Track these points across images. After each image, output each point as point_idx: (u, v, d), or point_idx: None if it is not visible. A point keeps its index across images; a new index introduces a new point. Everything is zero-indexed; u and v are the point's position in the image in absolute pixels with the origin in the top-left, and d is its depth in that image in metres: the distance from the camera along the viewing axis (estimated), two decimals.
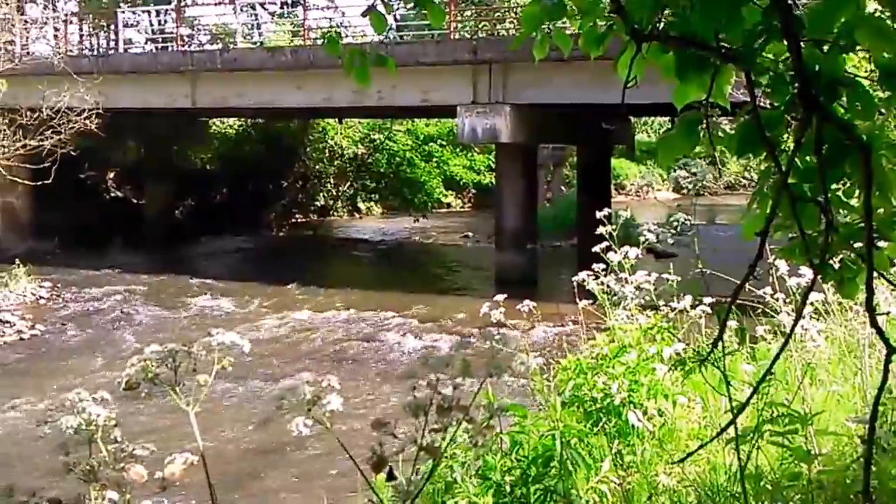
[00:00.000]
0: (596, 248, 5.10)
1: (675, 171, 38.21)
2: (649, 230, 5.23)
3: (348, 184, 31.12)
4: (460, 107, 17.28)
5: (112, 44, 25.22)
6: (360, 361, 12.32)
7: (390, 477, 1.81)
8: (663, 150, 2.01)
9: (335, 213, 31.00)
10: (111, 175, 24.07)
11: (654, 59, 1.95)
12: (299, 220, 29.11)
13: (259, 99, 19.51)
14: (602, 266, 5.00)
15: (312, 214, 29.99)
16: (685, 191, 38.05)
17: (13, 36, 18.90)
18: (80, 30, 25.91)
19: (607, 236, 5.10)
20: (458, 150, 32.81)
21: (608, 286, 4.96)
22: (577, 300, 5.18)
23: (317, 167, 29.98)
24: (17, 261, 16.92)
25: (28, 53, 19.32)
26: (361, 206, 32.17)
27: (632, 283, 4.84)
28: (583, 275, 5.10)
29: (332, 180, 30.71)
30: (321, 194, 30.64)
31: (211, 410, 10.08)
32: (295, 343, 13.56)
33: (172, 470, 1.47)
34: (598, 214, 5.39)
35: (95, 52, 24.07)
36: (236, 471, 8.33)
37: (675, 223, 5.19)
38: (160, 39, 23.41)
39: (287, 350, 13.08)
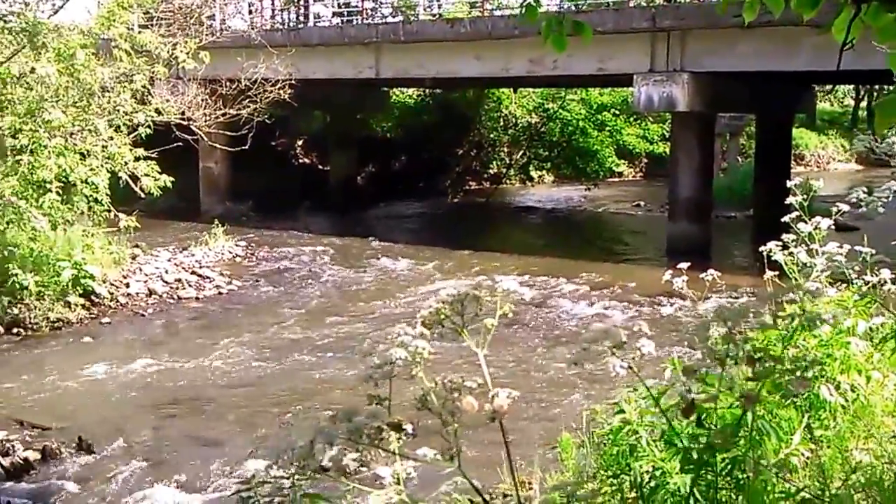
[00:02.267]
0: (785, 219, 5.04)
1: (858, 140, 35.84)
2: (844, 201, 5.10)
3: (521, 152, 31.36)
4: (637, 75, 17.08)
5: (302, 18, 26.53)
6: (534, 326, 12.59)
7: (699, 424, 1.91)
8: (881, 115, 1.97)
9: (507, 181, 31.35)
10: (299, 143, 25.45)
11: (872, 21, 1.93)
12: (473, 187, 29.69)
13: (438, 69, 20.04)
14: (789, 237, 4.93)
15: (485, 182, 30.49)
16: (869, 160, 35.70)
17: (213, 11, 20.29)
18: (273, 5, 27.38)
19: (796, 206, 5.02)
20: (631, 119, 32.35)
21: (796, 257, 4.89)
22: (761, 271, 5.15)
23: (491, 136, 30.43)
24: (216, 221, 18.34)
25: (227, 28, 20.70)
26: (533, 174, 32.34)
27: (823, 254, 4.77)
28: (770, 244, 5.07)
29: (505, 149, 31.07)
30: (494, 162, 31.08)
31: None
32: None
33: (500, 403, 1.63)
34: (788, 184, 5.32)
35: (287, 26, 25.37)
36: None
37: (887, 192, 5.00)
38: (345, 13, 24.33)
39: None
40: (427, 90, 28.79)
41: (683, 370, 1.94)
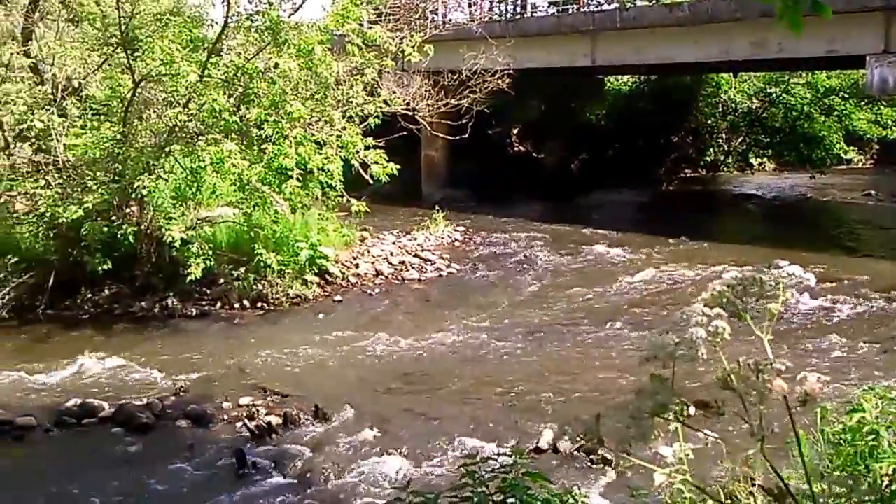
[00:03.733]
0: None
1: None
2: None
3: (740, 139, 30.11)
4: (870, 56, 15.92)
5: (519, 9, 26.84)
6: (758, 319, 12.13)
7: None
8: None
9: (725, 169, 30.21)
10: (515, 131, 25.82)
11: None
12: (688, 175, 28.88)
13: (656, 55, 19.64)
14: None
15: (701, 169, 29.55)
16: None
17: (436, 5, 20.98)
18: None
19: None
20: (862, 102, 30.09)
21: None
22: None
23: (708, 122, 29.43)
24: (437, 207, 19.05)
25: (449, 21, 21.35)
26: (753, 161, 30.95)
27: None
28: None
29: (723, 135, 29.95)
30: (711, 149, 30.05)
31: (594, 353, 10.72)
32: (685, 293, 13.71)
33: (812, 385, 1.59)
34: None
35: (506, 18, 25.76)
36: None
37: None
38: (561, 2, 24.37)
39: (680, 300, 13.31)
40: (642, 77, 28.25)
41: None
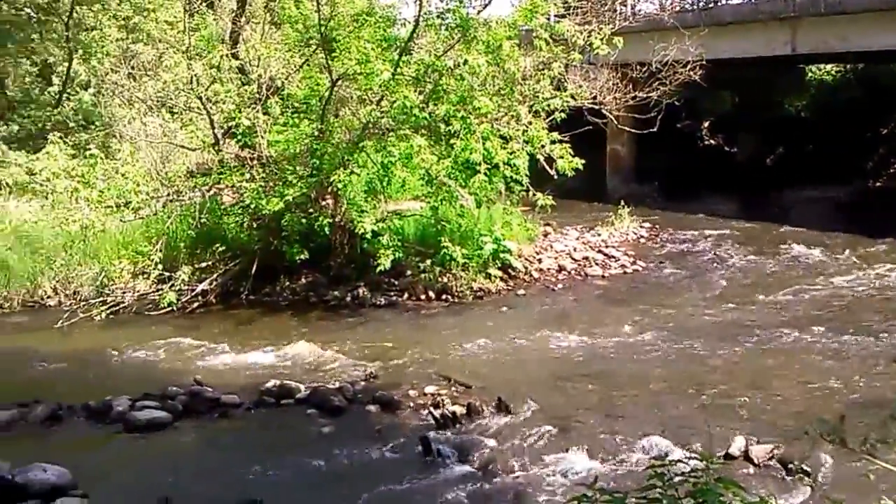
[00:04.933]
0: None
1: None
2: None
3: None
4: None
5: None
6: None
7: None
8: None
9: None
10: (705, 124, 24.95)
11: None
12: None
13: (863, 42, 18.35)
14: None
15: None
16: None
17: None
18: None
19: None
20: None
21: None
22: None
23: None
24: (622, 202, 18.71)
25: (638, 12, 20.89)
26: None
27: None
28: None
29: None
30: None
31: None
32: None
33: None
34: None
35: (699, 6, 24.90)
36: None
37: None
38: None
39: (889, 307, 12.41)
40: (848, 65, 26.43)
41: None
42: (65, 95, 19.86)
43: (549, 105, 12.94)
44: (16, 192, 14.66)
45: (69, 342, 11.59)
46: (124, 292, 13.02)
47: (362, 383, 9.60)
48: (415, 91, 12.23)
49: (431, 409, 8.75)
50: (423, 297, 13.22)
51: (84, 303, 12.85)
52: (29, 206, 13.90)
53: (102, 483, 7.03)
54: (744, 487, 3.47)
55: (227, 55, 13.57)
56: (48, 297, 13.46)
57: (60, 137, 13.93)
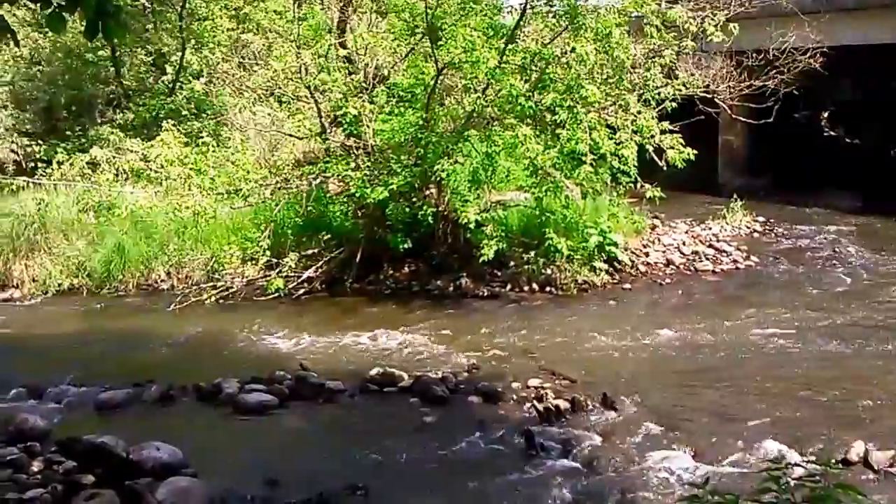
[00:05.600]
0: None
1: None
2: None
3: None
4: None
5: None
6: None
7: None
8: None
9: None
10: (825, 114, 23.84)
11: None
12: None
13: None
14: None
15: None
16: None
17: None
18: None
19: None
20: None
21: None
22: None
23: None
24: (734, 195, 18.07)
25: None
26: None
27: None
28: None
29: None
30: None
31: None
32: None
33: None
34: None
35: None
36: None
37: None
38: None
39: None
40: None
41: None
42: (177, 84, 20.49)
43: (659, 94, 12.59)
44: (132, 178, 15.18)
45: (181, 325, 11.95)
46: (233, 278, 13.34)
47: (465, 374, 9.54)
48: (521, 80, 12.07)
49: (535, 402, 8.63)
50: (526, 288, 13.07)
51: (195, 287, 13.24)
52: (144, 193, 14.37)
53: (212, 462, 7.18)
54: (864, 494, 3.26)
55: (334, 44, 13.69)
56: (161, 280, 13.95)
57: (174, 125, 14.33)
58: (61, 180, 15.77)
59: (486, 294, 12.96)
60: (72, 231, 14.47)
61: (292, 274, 13.07)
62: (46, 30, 19.72)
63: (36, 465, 7.08)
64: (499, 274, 13.35)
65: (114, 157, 15.15)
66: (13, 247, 14.18)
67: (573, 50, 11.58)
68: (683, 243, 15.28)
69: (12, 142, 20.21)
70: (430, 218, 12.56)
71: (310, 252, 13.61)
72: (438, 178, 12.76)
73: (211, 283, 13.28)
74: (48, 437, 7.74)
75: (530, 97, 12.05)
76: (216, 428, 8.32)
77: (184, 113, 18.98)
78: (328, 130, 13.89)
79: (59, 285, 13.93)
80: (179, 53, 20.23)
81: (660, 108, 12.65)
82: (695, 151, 12.13)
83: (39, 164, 17.40)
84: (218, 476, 6.83)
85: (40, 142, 20.08)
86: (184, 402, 8.97)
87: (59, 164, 16.07)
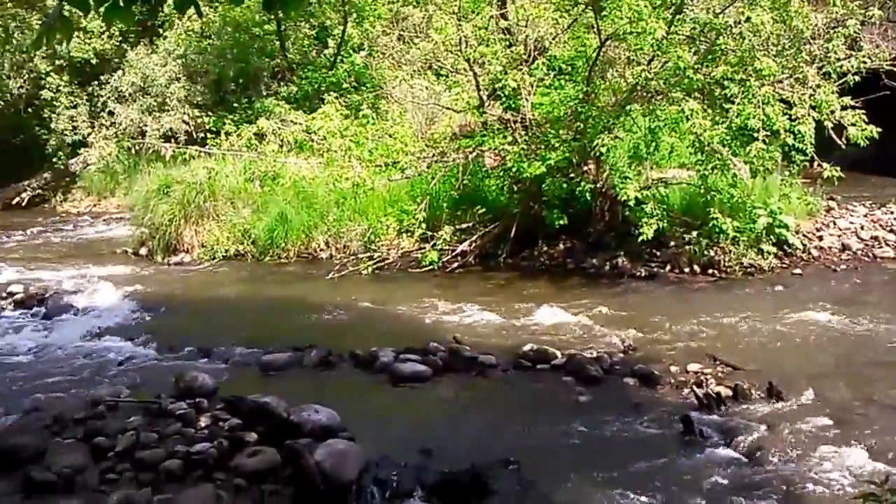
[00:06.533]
0: None
1: None
2: None
3: None
4: None
5: None
6: None
7: None
8: None
9: None
10: None
11: None
12: None
13: None
14: None
15: None
16: None
17: None
18: None
19: None
20: None
21: None
22: None
23: None
24: None
25: None
26: None
27: None
28: None
29: None
30: None
31: None
32: None
33: None
34: None
35: None
36: None
37: None
38: None
39: None
40: None
41: None
42: (339, 58, 20.94)
43: (840, 67, 11.74)
44: (294, 149, 15.65)
45: (338, 293, 12.23)
46: (389, 249, 13.55)
47: (620, 355, 9.28)
48: (689, 51, 11.57)
49: (694, 387, 8.28)
50: (686, 270, 12.57)
51: (353, 257, 13.54)
52: (306, 164, 14.77)
53: (367, 428, 7.28)
54: None
55: (495, 16, 13.55)
56: (321, 249, 14.34)
57: (335, 98, 14.64)
58: (229, 150, 16.45)
59: (643, 274, 12.57)
60: (238, 199, 15.08)
61: (446, 247, 13.12)
62: (216, 4, 20.68)
63: (203, 421, 7.37)
64: (658, 254, 12.92)
65: (279, 129, 15.63)
66: (184, 213, 14.90)
67: (747, 19, 11.02)
68: (861, 227, 14.25)
69: (184, 113, 21.24)
70: (587, 194, 12.28)
71: (464, 226, 13.61)
72: (598, 154, 12.43)
73: (367, 254, 13.53)
74: (215, 394, 8.06)
75: (699, 70, 11.55)
76: (372, 395, 8.44)
77: (344, 86, 19.41)
78: (486, 104, 13.79)
79: (226, 251, 14.58)
80: (341, 27, 20.65)
81: (841, 82, 11.80)
82: (879, 129, 11.26)
83: (208, 135, 18.26)
84: (373, 441, 6.91)
85: (209, 113, 21.07)
86: (341, 368, 9.16)
87: (227, 134, 16.76)
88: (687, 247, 12.71)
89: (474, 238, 13.42)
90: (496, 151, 13.30)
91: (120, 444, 6.86)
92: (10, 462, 6.63)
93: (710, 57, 11.70)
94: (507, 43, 13.87)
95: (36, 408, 7.91)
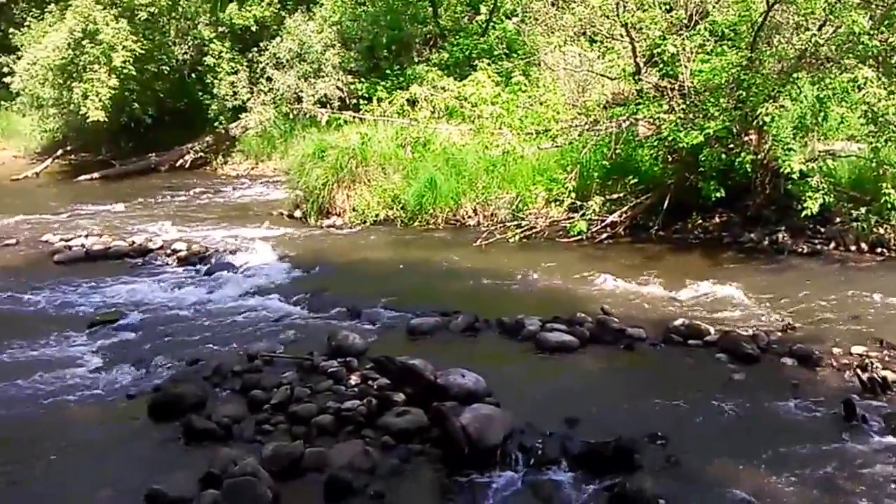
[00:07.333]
0: None
1: None
2: None
3: None
4: None
5: None
6: None
7: None
8: None
9: None
10: None
11: None
12: None
13: None
14: None
15: None
16: None
17: None
18: None
19: None
20: None
21: None
22: None
23: None
24: None
25: None
26: None
27: None
28: None
29: None
30: None
31: None
32: None
33: None
34: None
35: None
36: None
37: None
38: None
39: None
40: None
41: None
42: (490, 24, 20.84)
43: None
44: (445, 116, 15.74)
45: (485, 260, 12.27)
46: (537, 218, 13.45)
47: (778, 334, 8.87)
48: (864, 16, 10.82)
49: (857, 370, 7.82)
50: (853, 248, 11.84)
51: (500, 225, 13.51)
52: (457, 130, 14.83)
53: (512, 395, 7.29)
54: None
55: None
56: (468, 216, 14.40)
57: (487, 65, 14.58)
58: (381, 116, 16.74)
59: (805, 251, 11.95)
60: (389, 165, 15.32)
61: (595, 217, 12.88)
62: None
63: (353, 379, 7.61)
64: (822, 230, 12.24)
65: (430, 95, 15.76)
66: (337, 177, 15.29)
67: None
68: None
69: (338, 79, 21.75)
70: (747, 166, 11.74)
71: (615, 196, 13.32)
72: (760, 124, 11.84)
73: (515, 222, 13.47)
74: (364, 354, 8.29)
75: (874, 35, 10.78)
76: (517, 362, 8.43)
77: (496, 53, 19.33)
78: (642, 70, 13.39)
79: (376, 216, 14.88)
80: None
81: None
82: None
83: (361, 101, 18.62)
84: (518, 408, 6.90)
85: (363, 79, 21.48)
86: (487, 334, 9.19)
87: (380, 100, 17.05)
88: (854, 223, 11.96)
89: (625, 209, 13.12)
90: (651, 120, 12.91)
91: (275, 398, 7.19)
92: (173, 410, 7.08)
93: (887, 21, 10.90)
94: (667, 7, 13.39)
95: (197, 360, 8.38)
